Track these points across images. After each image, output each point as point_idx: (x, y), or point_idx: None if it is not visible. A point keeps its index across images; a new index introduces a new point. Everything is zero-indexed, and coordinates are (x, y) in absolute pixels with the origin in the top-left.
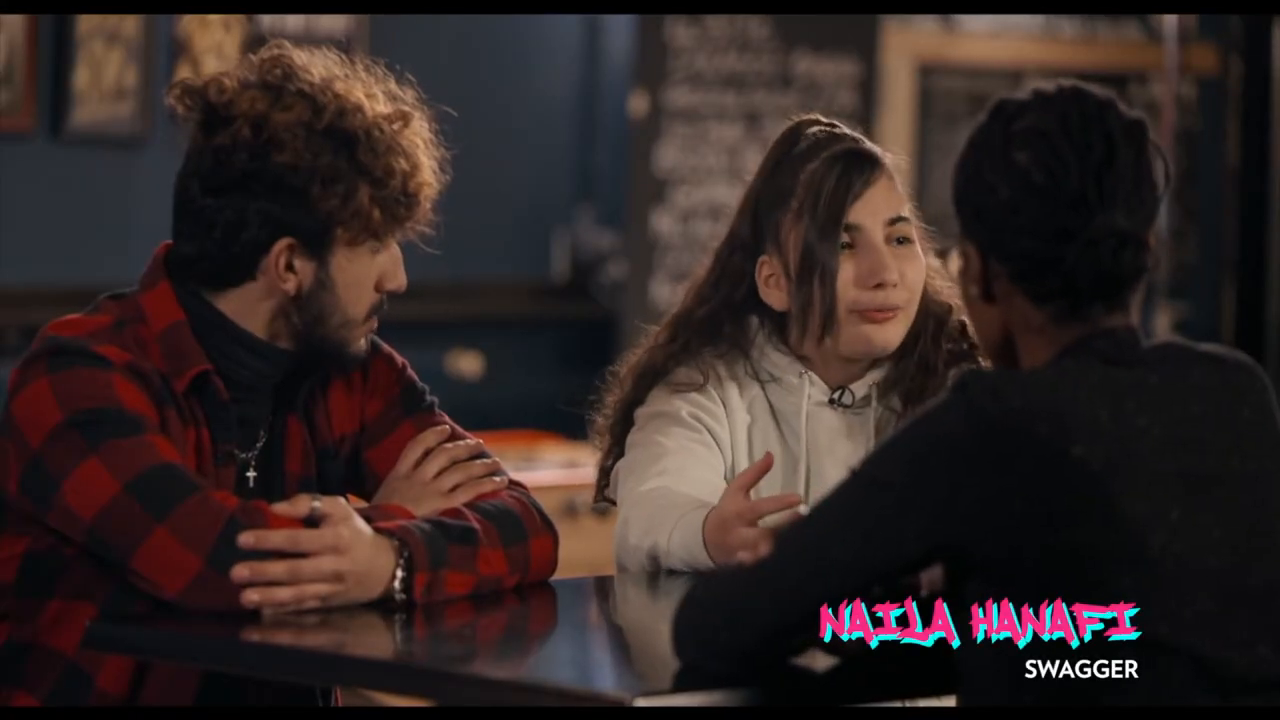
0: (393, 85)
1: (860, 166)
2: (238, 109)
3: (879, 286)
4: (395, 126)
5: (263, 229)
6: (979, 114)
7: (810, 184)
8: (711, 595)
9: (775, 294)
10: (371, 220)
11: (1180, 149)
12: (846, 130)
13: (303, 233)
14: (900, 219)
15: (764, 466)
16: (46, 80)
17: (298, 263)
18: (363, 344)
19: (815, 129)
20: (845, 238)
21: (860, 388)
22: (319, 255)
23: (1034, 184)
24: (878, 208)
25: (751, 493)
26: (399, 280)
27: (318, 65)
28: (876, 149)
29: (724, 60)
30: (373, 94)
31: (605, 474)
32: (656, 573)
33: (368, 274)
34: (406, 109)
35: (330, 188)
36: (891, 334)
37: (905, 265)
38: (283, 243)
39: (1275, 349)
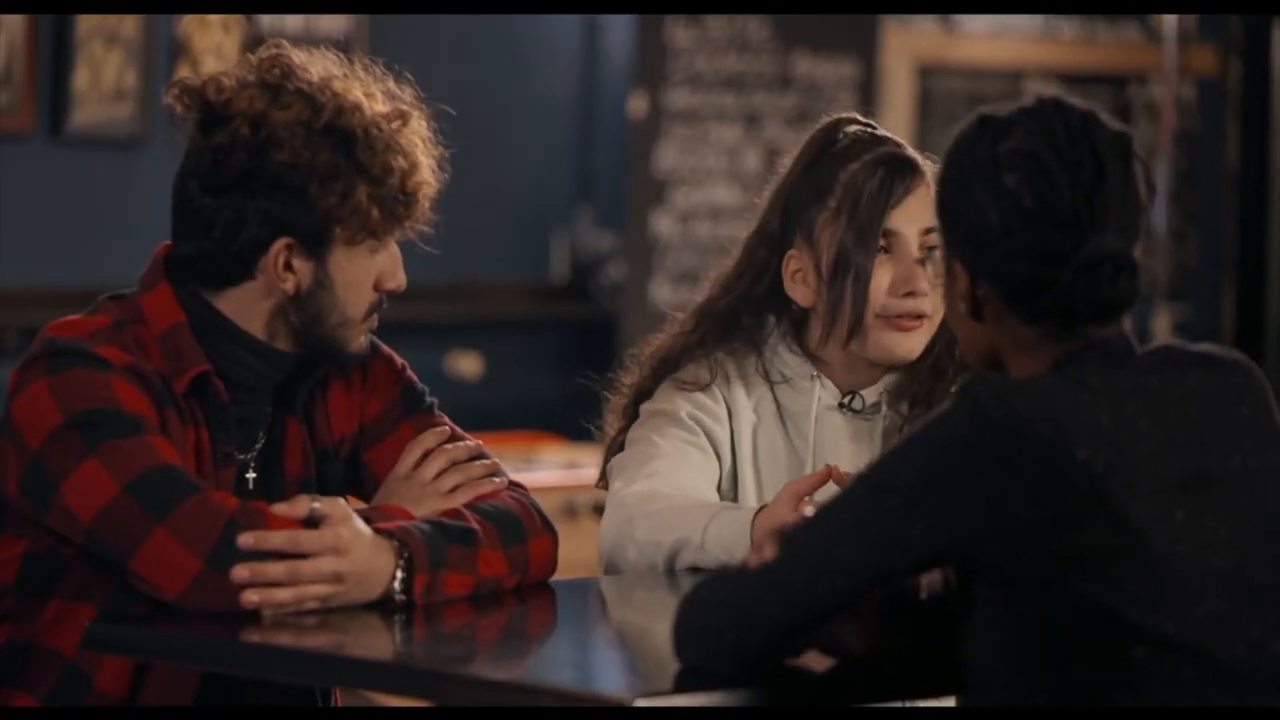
0: (391, 84)
1: (903, 173)
2: (236, 108)
3: (910, 295)
4: (394, 125)
5: (261, 228)
6: (961, 125)
7: (851, 185)
8: (716, 596)
9: (801, 289)
10: (370, 219)
11: (1180, 150)
12: (886, 133)
13: (301, 232)
14: (933, 230)
15: (823, 477)
16: (46, 81)
17: (296, 262)
18: (362, 343)
19: (855, 128)
20: (882, 243)
21: (871, 393)
22: (318, 254)
23: (1024, 207)
24: (915, 216)
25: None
26: (398, 280)
27: (316, 64)
28: (917, 156)
29: (723, 61)
30: (371, 93)
31: (612, 455)
32: (655, 573)
33: (366, 273)
34: (405, 108)
35: (328, 186)
36: (916, 342)
37: (935, 275)
38: (281, 242)
39: (1275, 350)
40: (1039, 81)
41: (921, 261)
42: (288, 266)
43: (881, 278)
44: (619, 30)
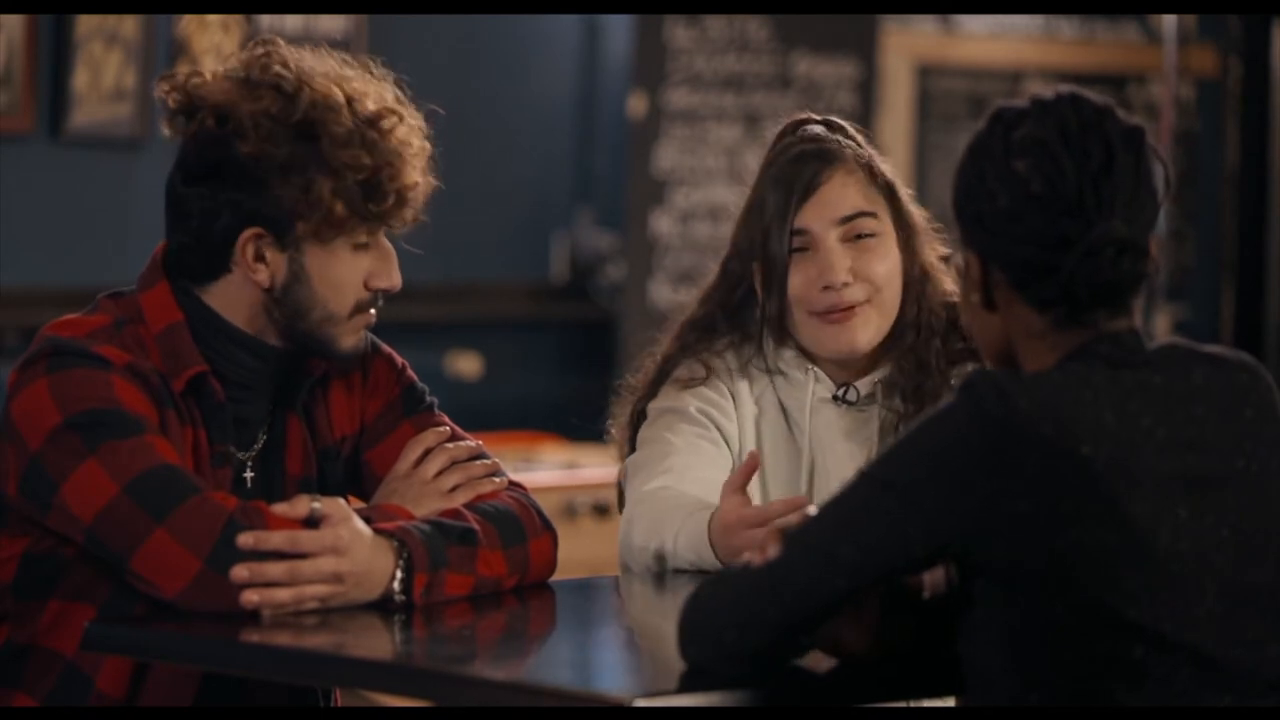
0: (388, 85)
1: (806, 168)
2: (209, 99)
3: (827, 289)
4: (379, 124)
5: (231, 218)
6: (979, 119)
7: (762, 193)
8: (718, 596)
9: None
10: (333, 213)
11: (1179, 151)
12: (822, 127)
13: (268, 223)
14: (859, 215)
15: (750, 467)
16: (46, 81)
17: (270, 254)
18: (353, 341)
19: (799, 130)
20: (797, 241)
21: (865, 385)
22: (290, 247)
23: (1033, 192)
24: (827, 208)
25: (759, 487)
26: (389, 280)
27: (311, 62)
28: (835, 144)
29: (723, 61)
30: (361, 93)
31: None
32: (657, 573)
33: (348, 270)
34: (397, 108)
35: (288, 178)
36: (857, 333)
37: (866, 260)
38: (249, 232)
39: (1275, 350)
40: (1039, 82)
41: (848, 248)
42: (259, 257)
43: (798, 275)
44: (618, 30)
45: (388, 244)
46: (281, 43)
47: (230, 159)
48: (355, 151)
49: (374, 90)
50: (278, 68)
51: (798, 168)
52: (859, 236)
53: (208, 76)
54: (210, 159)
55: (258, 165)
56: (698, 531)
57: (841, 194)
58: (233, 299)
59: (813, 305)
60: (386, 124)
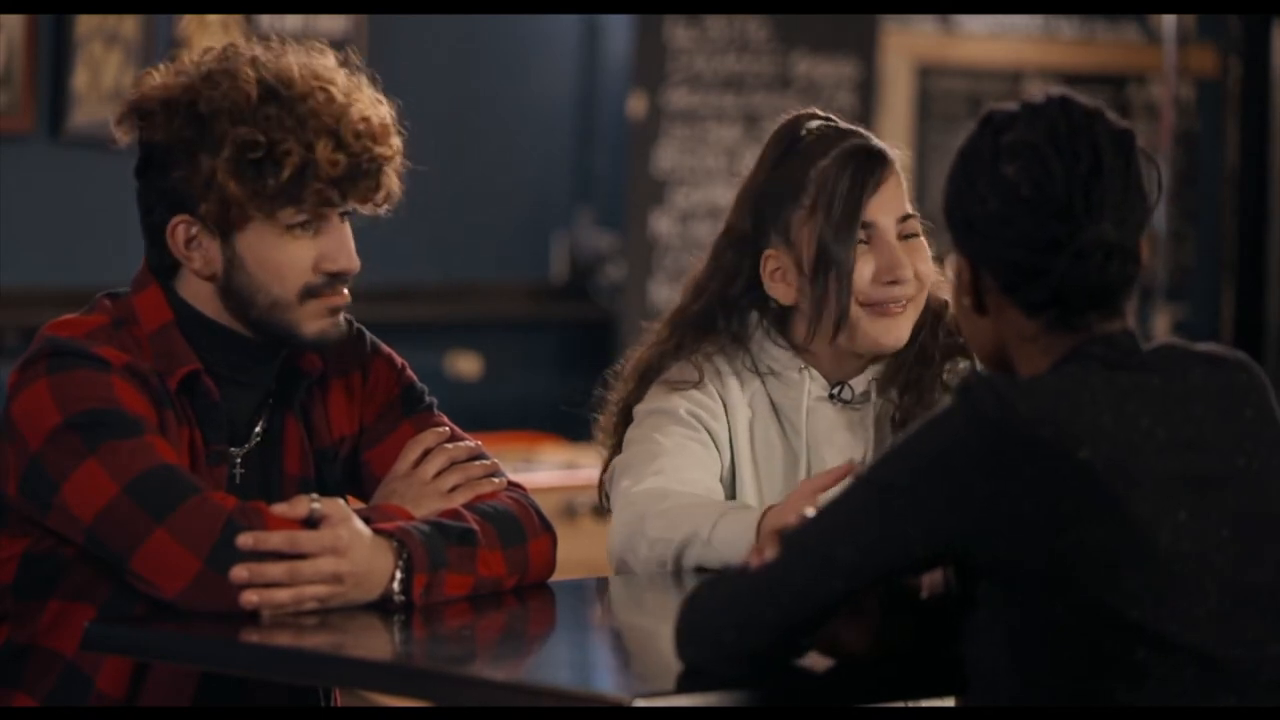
0: (333, 61)
1: (873, 164)
2: (140, 94)
3: (893, 282)
4: (289, 98)
5: (161, 208)
6: (971, 123)
7: (824, 181)
8: (716, 597)
9: (782, 288)
10: (227, 192)
11: (1179, 150)
12: (849, 125)
13: (184, 208)
14: (909, 215)
15: (843, 472)
16: (46, 81)
17: (203, 240)
18: (318, 326)
19: (815, 123)
20: (861, 235)
21: (860, 383)
22: (218, 233)
23: (1022, 196)
24: (890, 205)
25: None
26: (340, 262)
27: (261, 54)
28: (884, 145)
29: (723, 61)
30: (283, 72)
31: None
32: (655, 574)
33: (285, 254)
34: (320, 80)
35: (180, 158)
36: (903, 328)
37: (916, 259)
38: (175, 219)
39: (1275, 350)
40: (1038, 82)
41: (902, 245)
42: (189, 244)
43: (864, 268)
44: (618, 30)
45: (340, 224)
46: (241, 42)
47: (149, 149)
48: (247, 129)
49: (302, 66)
50: (210, 60)
51: (864, 162)
52: (906, 236)
53: (156, 79)
54: (141, 154)
55: (166, 151)
56: (743, 527)
57: (897, 193)
58: (197, 292)
59: (871, 298)
60: (313, 100)
